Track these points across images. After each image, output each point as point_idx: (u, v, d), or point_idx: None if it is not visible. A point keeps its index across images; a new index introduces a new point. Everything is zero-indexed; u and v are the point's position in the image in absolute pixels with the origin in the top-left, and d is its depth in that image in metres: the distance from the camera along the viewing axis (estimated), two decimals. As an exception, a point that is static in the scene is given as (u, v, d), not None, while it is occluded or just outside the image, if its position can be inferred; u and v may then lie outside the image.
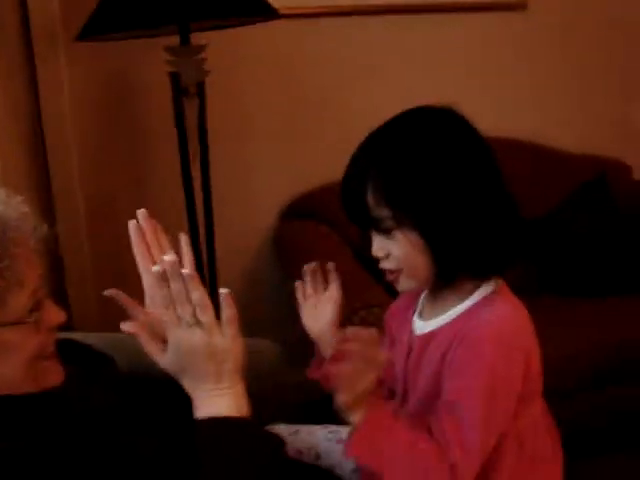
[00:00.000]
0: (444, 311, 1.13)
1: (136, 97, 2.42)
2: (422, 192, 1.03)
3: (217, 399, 0.99)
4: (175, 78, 2.05)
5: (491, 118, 2.33)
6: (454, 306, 1.11)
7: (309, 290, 1.32)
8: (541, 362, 1.13)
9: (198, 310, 0.97)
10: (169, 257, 0.96)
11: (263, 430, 1.02)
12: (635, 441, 2.17)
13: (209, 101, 2.16)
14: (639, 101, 3.08)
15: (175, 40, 2.07)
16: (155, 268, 0.97)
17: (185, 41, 2.04)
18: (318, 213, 2.49)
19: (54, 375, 1.05)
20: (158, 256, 1.10)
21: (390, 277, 1.11)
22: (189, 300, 0.96)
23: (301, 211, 2.61)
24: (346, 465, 1.30)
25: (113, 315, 2.43)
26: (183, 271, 0.96)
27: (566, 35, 2.92)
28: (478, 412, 1.02)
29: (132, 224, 1.10)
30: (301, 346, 1.40)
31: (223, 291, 0.97)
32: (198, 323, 0.97)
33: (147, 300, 1.12)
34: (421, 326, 1.16)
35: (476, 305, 1.10)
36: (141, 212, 1.11)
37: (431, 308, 1.16)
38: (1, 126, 1.67)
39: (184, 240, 1.10)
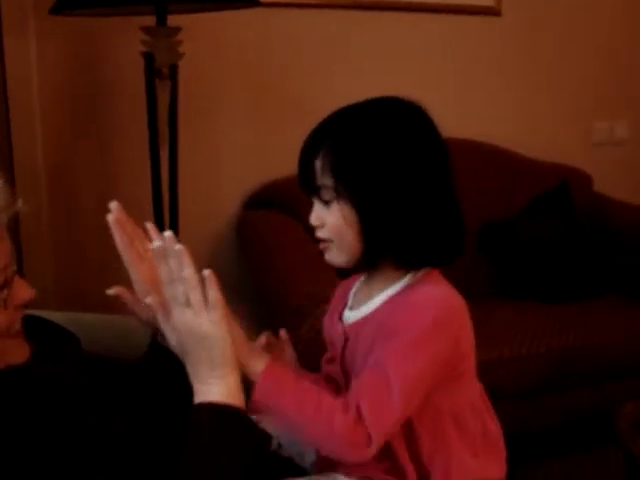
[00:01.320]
0: (372, 297, 1.15)
1: (107, 76, 2.39)
2: (366, 170, 1.06)
3: (208, 387, 0.98)
4: (149, 59, 2.03)
5: (458, 120, 2.40)
6: (382, 291, 1.13)
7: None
8: (473, 345, 1.15)
9: (188, 289, 0.95)
10: (168, 232, 0.96)
11: (251, 422, 1.00)
12: (580, 444, 2.22)
13: (180, 85, 2.14)
14: (604, 113, 3.14)
15: (151, 20, 2.04)
16: (156, 243, 0.96)
17: (162, 22, 2.01)
18: (282, 203, 2.48)
19: (20, 352, 1.04)
20: (142, 245, 1.10)
21: (322, 246, 1.13)
22: (183, 277, 0.95)
23: (265, 200, 2.60)
24: (307, 456, 1.31)
25: (70, 294, 2.41)
26: (176, 246, 0.94)
27: (536, 43, 2.97)
28: (404, 374, 1.04)
29: (111, 218, 1.09)
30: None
31: (206, 272, 0.96)
32: (188, 303, 0.96)
33: (137, 292, 1.12)
34: (351, 316, 1.18)
35: (407, 288, 1.12)
36: (114, 205, 1.10)
37: (360, 298, 1.18)
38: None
39: (152, 228, 1.10)
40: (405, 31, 2.75)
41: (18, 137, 2.30)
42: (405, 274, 1.13)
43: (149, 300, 1.03)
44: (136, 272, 1.11)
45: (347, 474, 1.16)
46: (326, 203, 1.09)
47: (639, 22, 3.13)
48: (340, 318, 1.21)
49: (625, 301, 2.52)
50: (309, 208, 1.13)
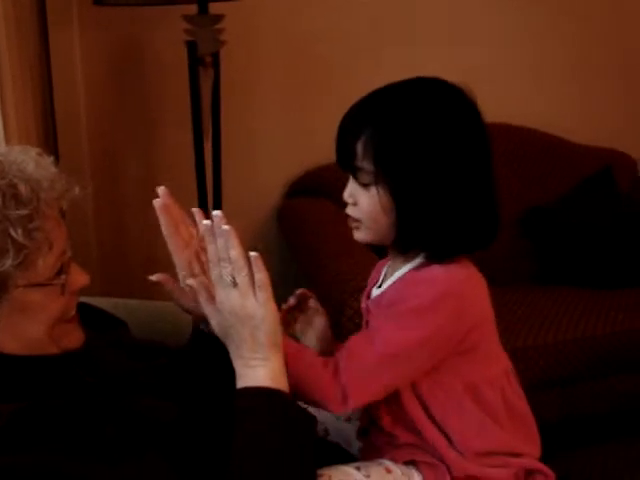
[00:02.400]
0: (394, 274, 1.15)
1: (150, 65, 2.41)
2: (409, 160, 1.04)
3: (252, 370, 0.99)
4: (192, 47, 2.04)
5: (501, 104, 2.37)
6: (401, 269, 1.13)
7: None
8: (487, 324, 1.14)
9: (234, 269, 0.96)
10: (217, 212, 0.96)
11: (297, 405, 1.01)
12: (634, 430, 2.20)
13: (222, 72, 2.15)
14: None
15: (193, 9, 2.05)
16: (206, 222, 0.97)
17: (203, 10, 2.03)
18: (323, 190, 2.48)
19: (75, 337, 1.05)
20: (188, 232, 1.12)
21: (352, 224, 1.13)
22: (229, 258, 0.96)
23: (307, 188, 2.61)
24: (354, 442, 1.32)
25: (115, 281, 2.45)
26: (223, 226, 0.95)
27: (582, 26, 2.91)
28: (390, 335, 1.05)
29: (158, 203, 1.10)
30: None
31: (253, 254, 0.96)
32: (235, 283, 0.96)
33: (180, 279, 1.13)
34: (375, 293, 1.19)
35: (423, 264, 1.11)
36: (162, 189, 1.11)
37: (386, 276, 1.19)
38: (13, 91, 1.65)
39: (198, 212, 1.12)
40: (447, 13, 2.71)
41: (63, 126, 2.34)
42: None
43: (190, 282, 1.04)
44: (180, 258, 1.11)
45: (393, 459, 1.17)
46: (363, 185, 1.08)
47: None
48: (368, 296, 1.22)
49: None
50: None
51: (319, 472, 1.11)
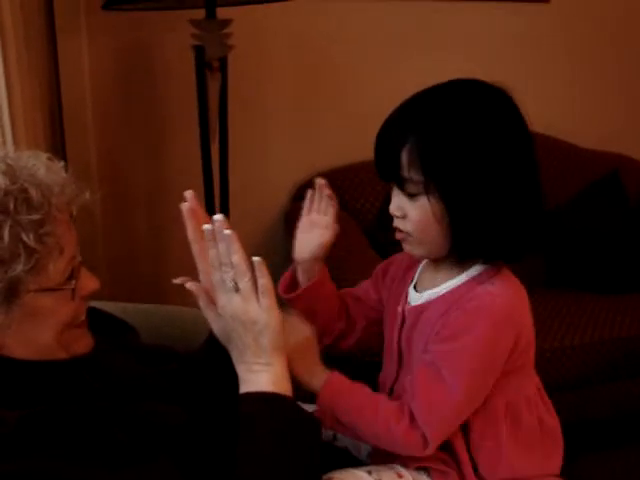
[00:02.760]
0: (439, 284, 1.12)
1: (157, 70, 2.41)
2: (458, 166, 1.01)
3: (255, 375, 0.99)
4: (199, 52, 2.04)
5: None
6: (450, 279, 1.11)
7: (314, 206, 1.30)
8: (533, 340, 1.13)
9: (236, 274, 0.96)
10: (218, 216, 0.96)
11: (301, 409, 1.01)
12: (635, 436, 2.20)
13: (229, 77, 2.15)
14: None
15: (200, 13, 2.05)
16: (206, 226, 0.96)
17: (211, 14, 2.03)
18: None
19: (84, 343, 1.05)
20: None
21: (400, 236, 1.10)
22: (231, 263, 0.96)
23: (314, 192, 2.60)
24: (362, 447, 1.31)
25: (123, 285, 2.44)
26: (225, 231, 0.95)
27: (588, 31, 2.91)
28: (461, 378, 1.04)
29: (185, 207, 1.09)
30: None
31: (256, 259, 0.96)
32: (237, 288, 0.96)
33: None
34: (416, 298, 1.16)
35: (473, 279, 1.09)
36: (189, 193, 1.09)
37: (427, 280, 1.16)
38: (21, 96, 1.66)
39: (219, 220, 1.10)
40: (454, 19, 2.71)
41: (71, 131, 2.34)
42: (473, 264, 1.10)
43: (189, 285, 1.03)
44: (203, 263, 1.09)
45: (404, 464, 1.16)
46: (411, 196, 1.05)
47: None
48: (405, 295, 1.19)
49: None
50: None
51: (330, 475, 1.11)
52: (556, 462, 1.21)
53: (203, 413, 1.09)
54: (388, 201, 1.10)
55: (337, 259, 2.17)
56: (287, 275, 1.31)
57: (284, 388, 0.99)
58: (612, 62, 2.97)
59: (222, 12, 2.08)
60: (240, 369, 1.00)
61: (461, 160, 1.01)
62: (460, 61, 2.64)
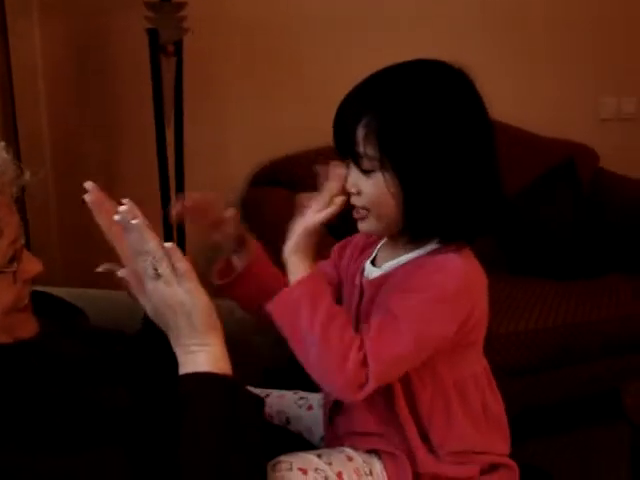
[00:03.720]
0: (396, 257, 1.12)
1: (111, 53, 2.38)
2: (414, 143, 1.01)
3: (192, 356, 0.98)
4: (153, 35, 2.01)
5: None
6: (409, 252, 1.11)
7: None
8: (485, 322, 1.13)
9: (155, 261, 0.94)
10: (123, 207, 0.93)
11: (243, 388, 1.00)
12: (586, 419, 2.24)
13: (185, 61, 2.13)
14: (611, 89, 3.12)
15: (155, -4, 2.03)
16: (116, 217, 0.94)
17: (166, -3, 2.00)
18: (287, 180, 2.47)
19: (28, 327, 1.03)
20: None
21: (357, 215, 1.09)
22: (147, 251, 0.94)
23: (270, 178, 2.59)
24: (315, 431, 1.31)
25: (76, 270, 2.41)
26: (132, 221, 0.93)
27: (542, 14, 2.93)
28: (412, 323, 1.02)
29: (88, 199, 1.05)
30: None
31: (168, 245, 0.95)
32: (158, 275, 0.95)
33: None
34: (373, 271, 1.16)
35: (432, 252, 1.09)
36: (89, 185, 1.06)
37: (384, 256, 1.16)
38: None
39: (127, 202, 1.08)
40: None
41: (23, 113, 2.30)
42: (429, 242, 1.10)
43: (120, 273, 1.01)
44: (122, 248, 1.06)
45: (354, 448, 1.16)
46: (366, 172, 1.04)
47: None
48: (361, 270, 1.19)
49: (630, 278, 2.52)
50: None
51: (280, 459, 1.10)
52: (503, 444, 1.22)
53: (148, 395, 1.08)
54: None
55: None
56: (220, 260, 1.27)
57: (223, 367, 0.98)
58: (566, 48, 3.00)
59: (177, -5, 2.06)
60: (178, 352, 0.99)
61: (416, 138, 1.01)
62: (420, 41, 2.65)
